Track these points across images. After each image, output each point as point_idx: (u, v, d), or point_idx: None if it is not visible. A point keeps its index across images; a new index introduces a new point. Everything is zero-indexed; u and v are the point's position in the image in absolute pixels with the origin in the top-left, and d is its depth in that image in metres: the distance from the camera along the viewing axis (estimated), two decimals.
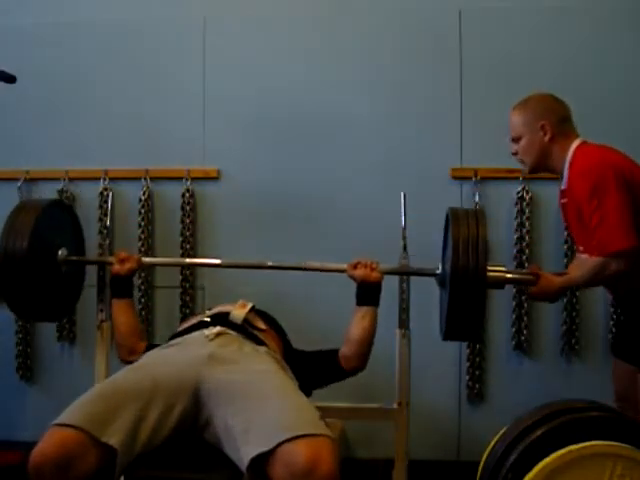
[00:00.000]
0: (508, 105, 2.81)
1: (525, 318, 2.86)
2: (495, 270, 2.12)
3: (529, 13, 2.89)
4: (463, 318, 2.01)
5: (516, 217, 2.86)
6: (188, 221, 2.99)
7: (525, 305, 2.86)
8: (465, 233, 2.00)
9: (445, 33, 2.93)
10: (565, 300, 2.82)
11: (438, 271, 2.22)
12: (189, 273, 3.00)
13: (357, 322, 2.22)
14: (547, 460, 1.77)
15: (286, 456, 1.56)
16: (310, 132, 2.99)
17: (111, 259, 2.40)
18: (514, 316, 2.87)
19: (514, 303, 2.87)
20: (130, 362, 2.21)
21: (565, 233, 2.81)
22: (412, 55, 2.95)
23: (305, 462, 1.53)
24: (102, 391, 1.78)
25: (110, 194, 2.98)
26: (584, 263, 2.19)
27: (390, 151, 2.95)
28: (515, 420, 1.98)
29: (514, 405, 2.62)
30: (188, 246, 2.99)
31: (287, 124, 3.00)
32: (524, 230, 2.85)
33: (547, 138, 2.21)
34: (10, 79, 2.42)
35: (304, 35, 3.01)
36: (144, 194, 3.00)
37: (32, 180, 3.08)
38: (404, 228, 2.36)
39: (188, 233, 3.00)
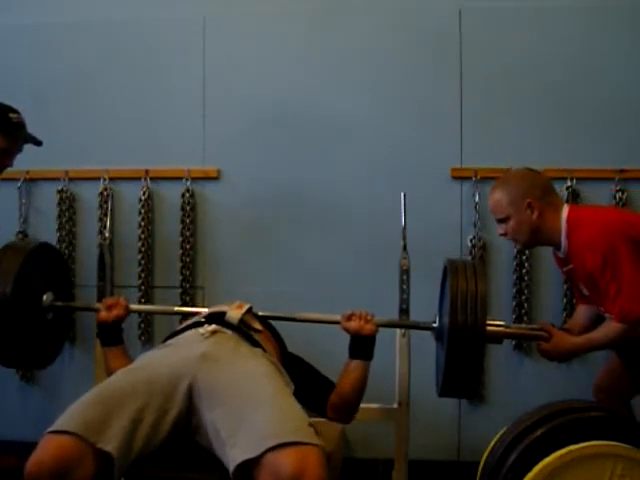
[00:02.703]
0: (508, 105, 2.84)
1: (525, 318, 2.86)
2: (494, 325, 2.08)
3: (529, 13, 2.89)
4: (460, 376, 1.97)
5: None
6: (188, 221, 2.99)
7: (525, 305, 2.86)
8: (464, 288, 1.94)
9: (445, 33, 2.93)
10: (565, 300, 2.83)
11: (435, 324, 2.16)
12: (189, 273, 3.00)
13: (347, 374, 2.13)
14: (547, 460, 1.77)
15: (272, 464, 1.54)
16: (310, 132, 2.99)
17: (98, 306, 2.29)
18: (514, 316, 2.86)
19: (514, 303, 2.87)
20: None
21: None
22: (412, 55, 2.95)
23: (291, 472, 1.51)
24: (97, 396, 1.75)
25: (110, 194, 2.99)
26: (605, 325, 2.14)
27: (390, 151, 2.95)
28: (515, 420, 1.98)
29: (514, 405, 2.62)
30: (188, 246, 2.99)
31: (287, 124, 3.00)
32: None
33: (535, 215, 2.17)
34: (38, 143, 2.53)
35: (304, 35, 3.01)
36: (144, 194, 3.00)
37: (32, 180, 3.08)
38: (404, 228, 2.36)
39: (188, 233, 2.99)
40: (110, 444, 1.62)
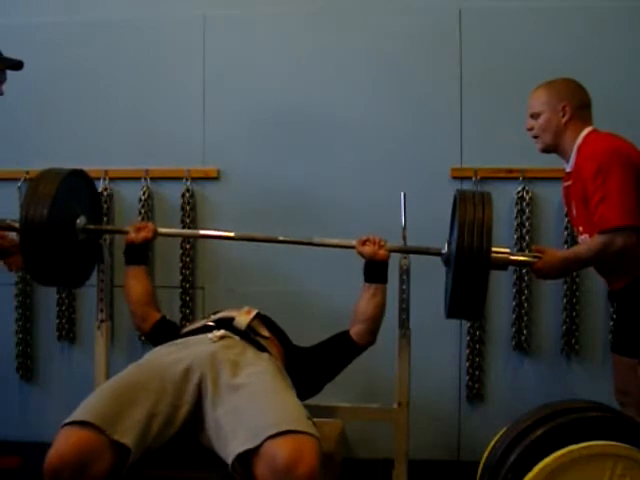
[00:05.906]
0: (508, 105, 2.84)
1: (525, 318, 2.86)
2: (499, 252, 2.15)
3: (529, 13, 2.89)
4: (466, 297, 2.04)
5: (516, 217, 2.86)
6: (188, 221, 2.99)
7: (525, 305, 2.86)
8: (471, 215, 2.04)
9: (445, 33, 2.93)
10: (565, 300, 2.83)
11: (444, 251, 2.24)
12: (189, 273, 3.00)
13: (369, 299, 2.26)
14: (547, 460, 1.77)
15: (269, 452, 1.58)
16: (310, 132, 2.99)
17: (127, 228, 2.44)
18: (514, 316, 2.87)
19: (514, 303, 2.87)
20: (143, 330, 2.33)
21: (565, 233, 2.82)
22: (412, 55, 2.95)
23: (287, 458, 1.55)
24: (111, 390, 1.78)
25: (110, 194, 3.00)
26: (590, 240, 2.20)
27: (390, 151, 2.95)
28: (515, 420, 1.98)
29: (514, 405, 2.63)
30: (188, 246, 2.99)
31: (287, 124, 3.00)
32: (524, 230, 2.85)
33: (564, 120, 2.27)
34: (17, 65, 2.46)
35: (304, 35, 3.01)
36: (144, 194, 3.00)
37: (32, 180, 3.07)
38: (404, 228, 2.36)
39: None
40: (127, 436, 1.65)
